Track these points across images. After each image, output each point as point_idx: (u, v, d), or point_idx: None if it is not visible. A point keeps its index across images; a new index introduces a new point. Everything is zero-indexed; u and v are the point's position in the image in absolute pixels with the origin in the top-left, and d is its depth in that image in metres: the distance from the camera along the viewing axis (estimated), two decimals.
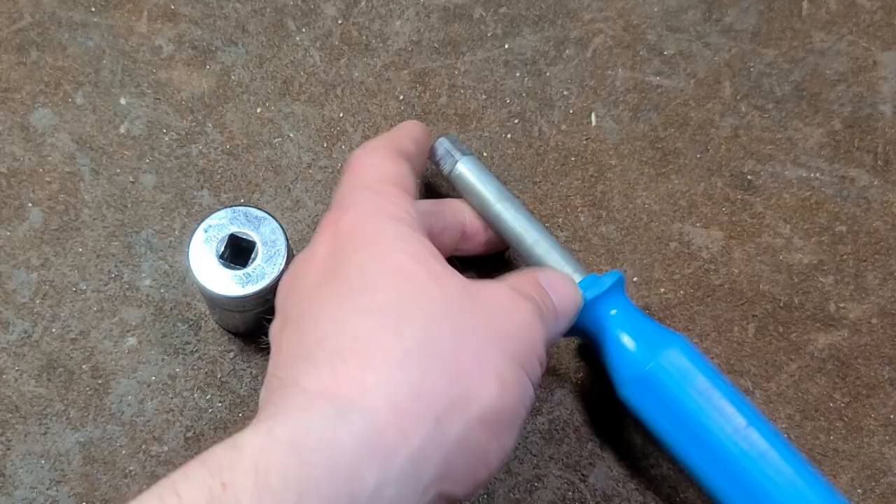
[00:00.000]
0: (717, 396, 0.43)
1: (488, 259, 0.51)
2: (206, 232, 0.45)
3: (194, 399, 0.48)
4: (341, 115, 0.54)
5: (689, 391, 0.43)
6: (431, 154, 0.49)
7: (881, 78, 0.55)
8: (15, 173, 0.52)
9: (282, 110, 0.54)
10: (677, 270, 0.52)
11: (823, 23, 0.56)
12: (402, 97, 0.55)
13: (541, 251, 0.47)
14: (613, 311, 0.45)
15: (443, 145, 0.49)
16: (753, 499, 0.42)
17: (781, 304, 0.51)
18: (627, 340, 0.45)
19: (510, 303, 0.37)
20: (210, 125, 0.54)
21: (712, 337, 0.50)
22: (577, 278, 0.46)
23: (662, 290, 0.51)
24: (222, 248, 0.45)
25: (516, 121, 0.54)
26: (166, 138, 0.53)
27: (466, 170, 0.49)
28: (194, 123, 0.53)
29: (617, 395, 0.45)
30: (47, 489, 0.47)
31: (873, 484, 0.47)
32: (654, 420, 0.44)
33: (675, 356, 0.44)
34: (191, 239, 0.45)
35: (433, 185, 0.53)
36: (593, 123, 0.54)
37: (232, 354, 0.49)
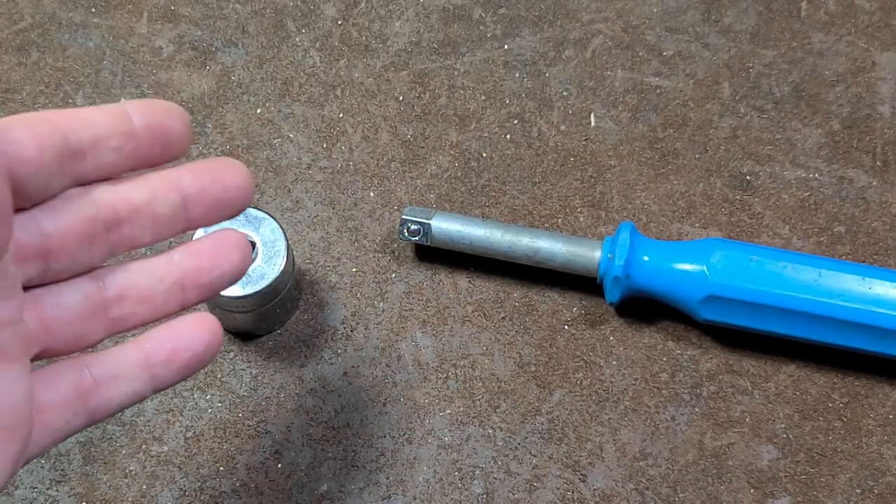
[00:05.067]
0: (778, 268, 0.46)
1: (488, 260, 0.51)
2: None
3: (194, 399, 0.49)
4: (341, 115, 0.54)
5: (755, 280, 0.46)
6: (402, 232, 0.50)
7: (880, 79, 0.55)
8: None
9: (281, 111, 0.54)
10: None
11: (822, 23, 0.56)
12: (401, 98, 0.55)
13: (551, 248, 0.49)
14: (646, 258, 0.48)
15: (407, 218, 0.49)
16: (867, 328, 0.46)
17: None
18: (674, 274, 0.47)
19: None
20: (210, 126, 0.54)
21: (711, 336, 0.50)
22: (596, 249, 0.48)
23: None
24: None
25: (515, 121, 0.54)
26: None
27: (444, 224, 0.49)
28: (194, 124, 0.53)
29: (701, 324, 0.49)
30: (47, 489, 0.47)
31: (872, 484, 0.47)
32: (748, 320, 0.47)
33: (720, 258, 0.47)
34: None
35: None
36: (592, 124, 0.54)
37: (232, 354, 0.49)
